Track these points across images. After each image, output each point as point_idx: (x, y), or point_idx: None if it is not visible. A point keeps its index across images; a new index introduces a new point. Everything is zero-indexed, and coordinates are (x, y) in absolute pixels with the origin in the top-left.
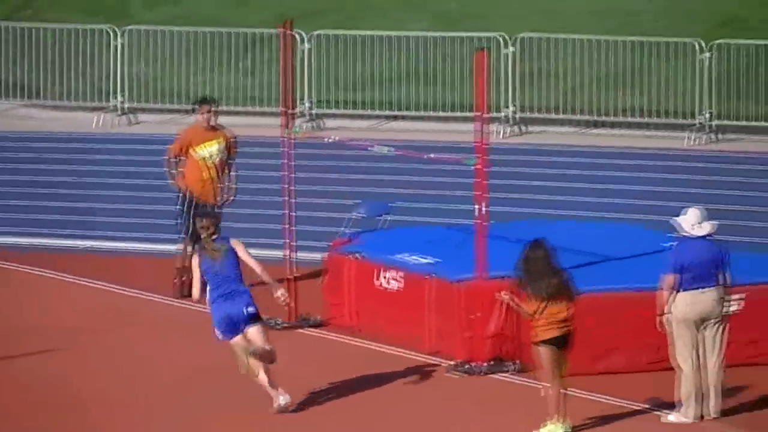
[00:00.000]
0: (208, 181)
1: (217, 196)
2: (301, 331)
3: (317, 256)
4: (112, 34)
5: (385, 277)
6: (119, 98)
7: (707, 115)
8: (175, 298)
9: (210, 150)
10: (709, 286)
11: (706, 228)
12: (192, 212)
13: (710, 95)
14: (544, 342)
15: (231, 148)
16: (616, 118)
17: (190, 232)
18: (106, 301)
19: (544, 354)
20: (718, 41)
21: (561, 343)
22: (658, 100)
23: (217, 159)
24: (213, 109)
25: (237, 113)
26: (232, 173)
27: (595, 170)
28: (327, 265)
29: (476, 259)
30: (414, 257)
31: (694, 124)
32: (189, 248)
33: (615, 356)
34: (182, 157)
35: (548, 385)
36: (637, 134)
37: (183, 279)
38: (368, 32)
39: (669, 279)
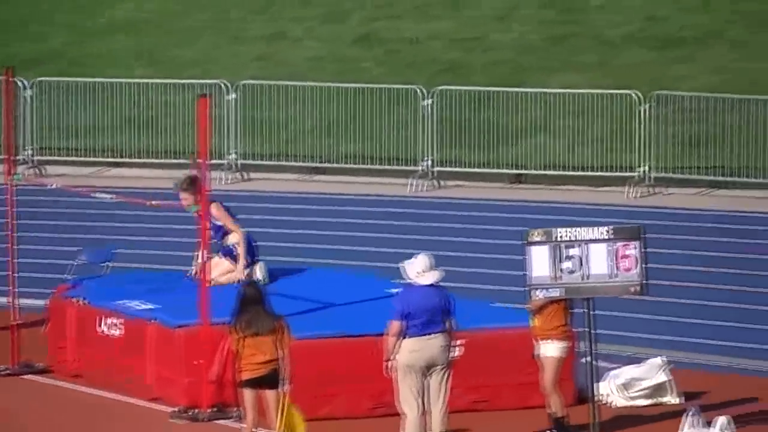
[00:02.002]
0: None
1: None
2: (24, 377)
3: (41, 302)
4: None
5: (107, 324)
6: None
7: (429, 162)
8: None
9: None
10: (435, 333)
11: (433, 276)
12: None
13: (432, 141)
14: (242, 383)
15: None
16: (339, 164)
17: None
18: None
19: (242, 395)
20: (439, 88)
21: (257, 385)
22: (381, 147)
23: None
24: None
25: None
26: None
27: (319, 217)
28: (50, 311)
29: (198, 305)
30: (136, 303)
31: (417, 171)
32: None
33: (337, 401)
34: None
35: (245, 425)
36: (361, 180)
37: None
38: (91, 79)
39: (394, 325)
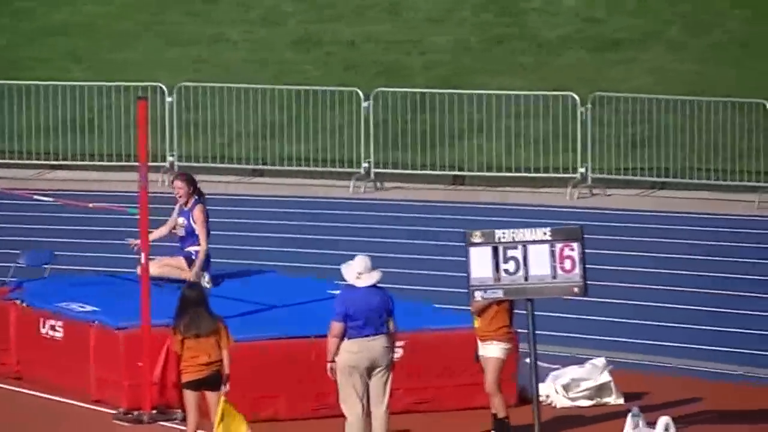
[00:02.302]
0: None
1: None
2: None
3: None
4: None
5: (48, 326)
6: None
7: (368, 164)
8: None
9: None
10: (377, 334)
11: (372, 276)
12: None
13: (370, 143)
14: (184, 385)
15: None
16: (279, 166)
17: None
18: None
19: (185, 396)
20: (377, 90)
21: (200, 386)
22: (320, 149)
23: None
24: None
25: None
26: None
27: (259, 219)
28: None
29: (140, 307)
30: (77, 305)
31: (358, 172)
32: None
33: (279, 403)
34: None
35: (187, 427)
36: (302, 183)
37: None
38: (29, 82)
39: (335, 326)
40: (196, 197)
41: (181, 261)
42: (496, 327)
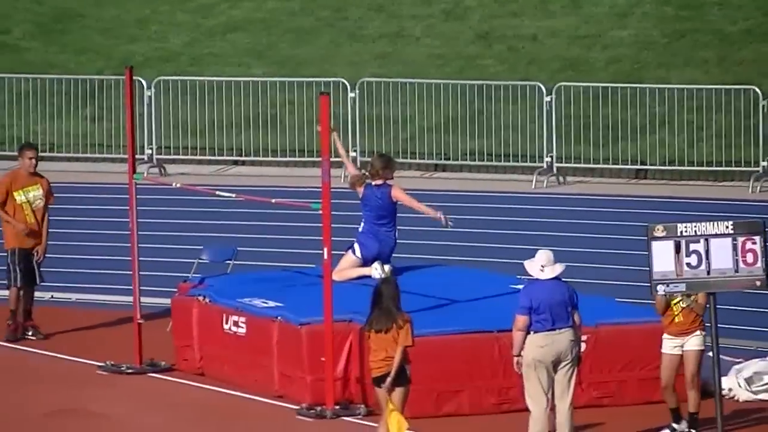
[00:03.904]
0: (31, 225)
1: (37, 244)
2: (149, 375)
3: (165, 301)
4: None
5: (231, 322)
6: None
7: (550, 158)
8: (8, 341)
9: (30, 195)
10: (563, 327)
11: (555, 269)
12: (20, 262)
13: (552, 138)
14: (373, 381)
15: (49, 196)
16: (461, 161)
17: (18, 280)
18: None
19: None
20: (559, 84)
21: (380, 383)
22: (502, 143)
23: (37, 205)
24: (37, 155)
25: (80, 159)
26: (46, 221)
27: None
28: (174, 310)
29: (323, 303)
30: (260, 301)
31: (540, 167)
32: (19, 293)
33: (461, 398)
34: None
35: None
36: (483, 177)
37: (16, 323)
38: (210, 78)
39: (520, 320)
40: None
41: (356, 263)
42: (693, 318)
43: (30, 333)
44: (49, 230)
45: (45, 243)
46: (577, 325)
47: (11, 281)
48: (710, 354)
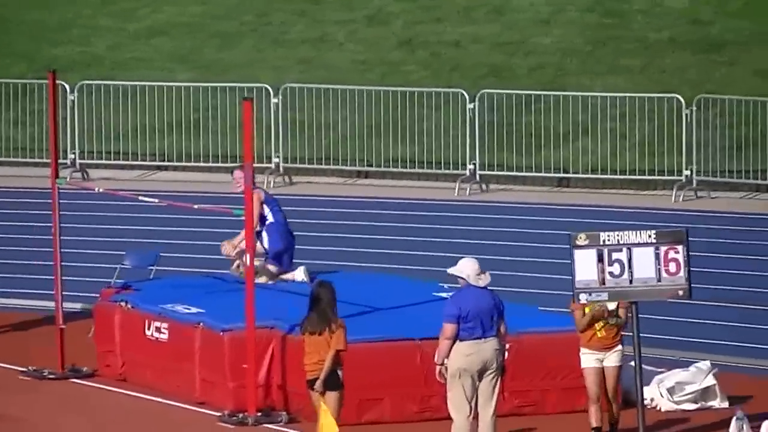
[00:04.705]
0: None
1: None
2: (71, 381)
3: (87, 306)
4: None
5: (153, 328)
6: None
7: (473, 166)
8: None
9: None
10: (488, 336)
11: (483, 279)
12: None
13: (476, 145)
14: (307, 383)
15: None
16: (384, 168)
17: None
18: None
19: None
20: (482, 91)
21: (312, 385)
22: (425, 150)
23: None
24: None
25: (2, 163)
26: None
27: (363, 221)
28: (96, 316)
29: (245, 309)
30: (182, 307)
31: (463, 174)
32: None
33: (383, 405)
34: None
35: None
36: (406, 184)
37: None
38: (134, 82)
39: (449, 328)
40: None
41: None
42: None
43: None
44: None
45: None
46: (502, 334)
47: None
48: (632, 363)
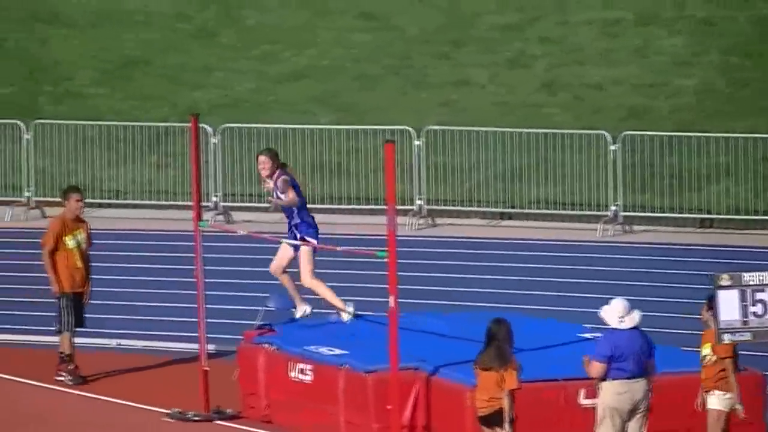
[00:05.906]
0: (81, 270)
1: (85, 287)
2: (216, 423)
3: (230, 348)
4: (21, 128)
5: (297, 369)
6: (27, 192)
7: (616, 207)
8: (77, 384)
9: (77, 239)
10: (640, 376)
11: (634, 319)
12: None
13: (618, 186)
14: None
15: (89, 239)
16: (527, 210)
17: (71, 324)
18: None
19: None
20: (625, 133)
21: (483, 423)
22: (567, 192)
23: (83, 249)
24: (83, 198)
25: (146, 206)
26: (90, 264)
27: (506, 262)
28: (240, 358)
29: (389, 350)
30: (326, 348)
31: (605, 215)
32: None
33: None
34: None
35: None
36: (548, 226)
37: (75, 364)
38: (276, 125)
39: (598, 367)
40: (280, 170)
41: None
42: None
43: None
44: (94, 276)
45: (90, 287)
46: (651, 375)
47: (65, 326)
48: None
